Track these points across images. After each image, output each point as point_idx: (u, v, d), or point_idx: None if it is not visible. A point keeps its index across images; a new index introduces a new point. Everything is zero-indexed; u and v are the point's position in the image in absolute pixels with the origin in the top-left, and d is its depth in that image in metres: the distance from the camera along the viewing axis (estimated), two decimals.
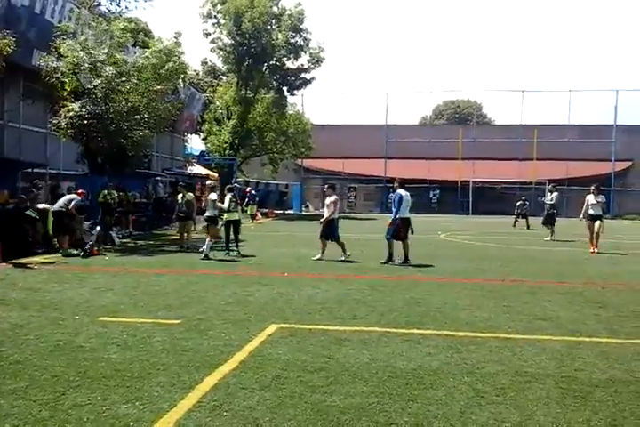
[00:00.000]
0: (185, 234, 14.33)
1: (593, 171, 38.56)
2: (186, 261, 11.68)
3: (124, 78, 15.22)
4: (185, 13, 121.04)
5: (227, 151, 33.55)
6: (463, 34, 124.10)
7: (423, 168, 41.16)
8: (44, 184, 17.57)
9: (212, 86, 39.63)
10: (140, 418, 3.61)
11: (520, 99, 43.87)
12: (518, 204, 24.82)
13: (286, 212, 37.65)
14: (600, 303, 7.55)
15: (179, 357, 4.91)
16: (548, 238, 17.57)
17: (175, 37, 17.50)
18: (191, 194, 14.56)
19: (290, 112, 35.78)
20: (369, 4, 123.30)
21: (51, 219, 12.93)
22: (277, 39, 31.67)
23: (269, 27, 31.93)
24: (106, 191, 15.71)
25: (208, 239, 12.36)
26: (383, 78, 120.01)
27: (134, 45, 18.98)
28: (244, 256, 12.55)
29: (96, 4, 22.02)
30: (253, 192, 27.62)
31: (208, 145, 36.57)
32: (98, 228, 13.42)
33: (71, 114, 14.60)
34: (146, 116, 15.79)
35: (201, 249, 12.30)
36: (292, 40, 32.23)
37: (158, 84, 16.03)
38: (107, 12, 23.74)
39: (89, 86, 14.81)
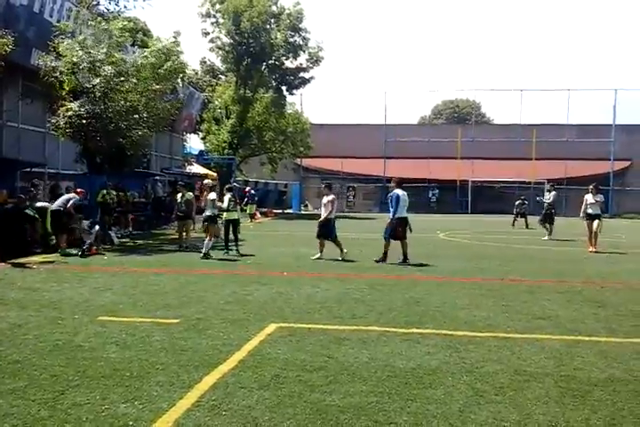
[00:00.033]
0: (184, 233, 14.33)
1: (592, 170, 38.61)
2: (185, 261, 11.67)
3: (122, 78, 15.20)
4: (183, 13, 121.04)
5: (226, 151, 33.56)
6: (462, 33, 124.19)
7: (422, 168, 41.18)
8: (42, 183, 17.56)
9: (211, 86, 39.63)
10: (139, 417, 3.61)
11: (519, 98, 43.95)
12: (517, 203, 24.85)
13: (285, 211, 37.66)
14: (599, 302, 7.56)
15: (178, 356, 4.91)
16: (546, 238, 17.56)
17: (174, 37, 17.51)
18: (190, 193, 14.55)
19: (289, 111, 35.82)
20: (367, 3, 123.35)
21: (49, 217, 12.92)
22: (276, 38, 31.69)
23: (268, 26, 31.97)
24: (105, 191, 15.69)
25: (207, 239, 12.36)
26: (382, 78, 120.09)
27: (133, 45, 18.96)
28: (243, 255, 12.55)
29: (95, 3, 21.98)
30: (252, 192, 27.61)
31: (207, 144, 36.59)
32: (97, 227, 13.41)
33: (70, 113, 14.58)
34: (145, 115, 15.77)
35: (206, 249, 12.25)
36: (291, 39, 32.28)
37: (157, 84, 16.01)
38: (105, 11, 23.70)
39: (88, 86, 14.79)
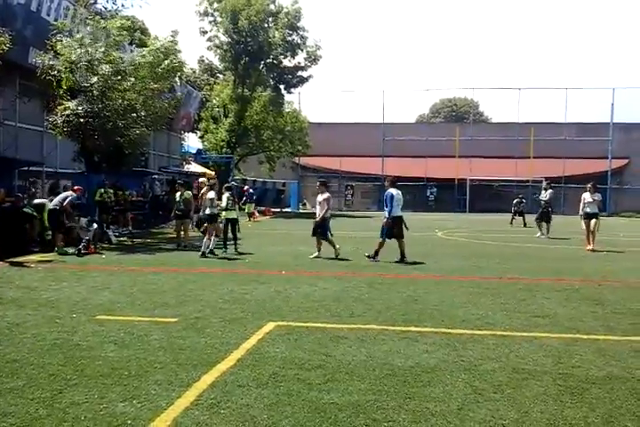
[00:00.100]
0: (182, 232, 14.31)
1: (589, 169, 38.66)
2: (183, 260, 11.67)
3: (120, 77, 15.18)
4: (181, 11, 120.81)
5: (224, 149, 33.54)
6: (460, 32, 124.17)
7: (420, 166, 41.19)
8: (40, 182, 17.56)
9: (209, 84, 39.58)
10: (138, 416, 3.61)
11: (517, 97, 43.82)
12: (515, 202, 24.87)
13: (283, 210, 37.65)
14: (597, 301, 7.57)
15: (176, 355, 4.91)
16: (543, 236, 17.56)
17: (172, 35, 17.49)
18: (189, 192, 14.54)
19: (287, 110, 35.82)
20: (365, 1, 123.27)
21: (47, 214, 12.90)
22: (274, 37, 31.66)
23: (266, 25, 31.94)
24: (102, 190, 15.69)
25: (206, 237, 12.36)
26: (380, 76, 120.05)
27: (131, 43, 18.93)
28: (241, 254, 12.55)
29: (92, 1, 21.91)
30: (251, 190, 27.62)
31: (205, 143, 36.57)
32: (95, 225, 13.39)
33: (67, 112, 14.56)
34: (142, 114, 15.76)
35: (204, 248, 12.23)
36: (289, 38, 32.27)
37: (155, 83, 16.00)
38: (103, 9, 23.62)
39: (85, 84, 14.77)
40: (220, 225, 13.27)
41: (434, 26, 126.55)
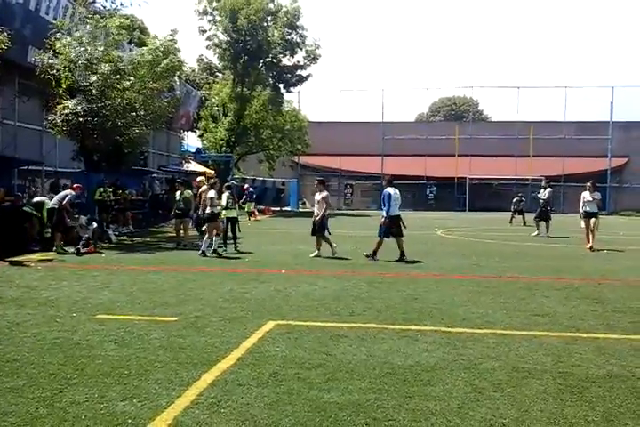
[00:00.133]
0: (182, 231, 14.30)
1: (589, 167, 38.66)
2: (183, 259, 11.67)
3: (119, 76, 15.17)
4: (180, 10, 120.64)
5: (223, 148, 33.52)
6: (459, 30, 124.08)
7: (420, 165, 41.16)
8: (39, 181, 17.56)
9: (208, 83, 39.53)
10: (138, 415, 3.61)
11: (516, 95, 43.77)
12: (515, 200, 24.85)
13: (283, 209, 37.64)
14: (597, 299, 7.57)
15: (176, 354, 4.91)
16: (542, 235, 17.55)
17: (171, 35, 17.48)
18: (189, 191, 14.52)
19: (286, 109, 35.79)
20: (365, 0, 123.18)
21: (46, 212, 12.91)
22: (273, 36, 31.63)
23: (265, 24, 31.91)
24: (102, 189, 15.69)
25: (206, 236, 12.36)
26: (379, 75, 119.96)
27: (130, 42, 18.92)
28: (241, 253, 12.55)
29: (91, 0, 21.89)
30: (251, 189, 27.61)
31: (204, 142, 36.53)
32: (94, 223, 13.39)
33: (67, 111, 14.55)
34: (142, 113, 15.75)
35: (204, 246, 12.23)
36: (288, 37, 32.23)
37: (154, 82, 15.99)
38: (102, 8, 23.60)
39: (85, 83, 14.76)
40: (221, 224, 13.28)
41: (433, 24, 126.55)
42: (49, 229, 12.96)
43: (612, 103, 41.20)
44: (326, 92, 72.17)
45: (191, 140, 41.71)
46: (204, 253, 11.99)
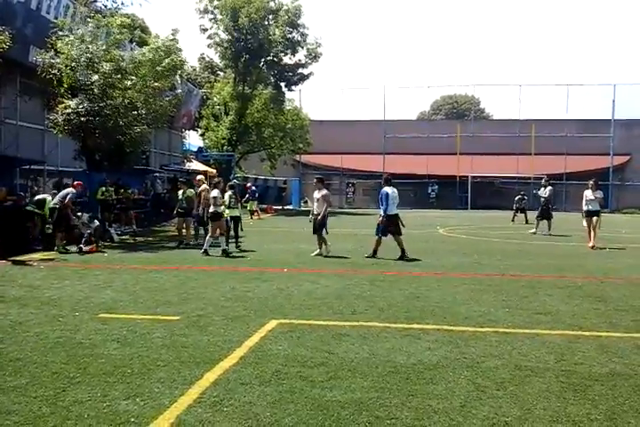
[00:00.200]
0: (184, 230, 14.30)
1: (591, 165, 38.55)
2: (185, 258, 11.67)
3: (120, 75, 15.17)
4: (181, 9, 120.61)
5: (225, 147, 33.50)
6: (461, 28, 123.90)
7: (421, 163, 41.09)
8: (42, 180, 17.57)
9: (210, 82, 39.50)
10: (141, 414, 3.61)
11: (518, 93, 43.62)
12: (517, 198, 24.82)
13: (285, 207, 37.64)
14: (599, 297, 7.57)
15: (179, 353, 4.91)
16: (544, 233, 17.51)
17: (172, 34, 17.48)
18: (192, 190, 14.52)
19: (287, 108, 35.74)
20: None
21: (47, 209, 12.92)
22: (274, 34, 31.60)
23: (266, 22, 31.86)
24: (104, 188, 15.69)
25: (209, 235, 12.37)
26: (381, 73, 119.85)
27: (131, 41, 18.92)
28: (243, 252, 12.56)
29: (92, 0, 21.91)
30: (254, 188, 27.61)
31: (206, 141, 36.51)
32: (96, 221, 13.41)
33: (68, 111, 14.56)
34: (143, 112, 15.76)
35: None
36: (289, 35, 32.19)
37: (156, 81, 15.99)
38: (103, 8, 23.62)
39: (86, 82, 14.76)
40: (224, 223, 13.29)
41: (434, 23, 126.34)
42: (50, 226, 12.96)
43: (614, 101, 41.08)
44: (328, 90, 72.00)
45: (193, 140, 41.73)
46: (206, 252, 12.00)
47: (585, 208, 14.40)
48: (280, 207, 36.37)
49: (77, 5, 18.59)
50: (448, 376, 4.39)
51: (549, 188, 18.35)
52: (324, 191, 12.26)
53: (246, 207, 24.56)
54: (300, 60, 33.72)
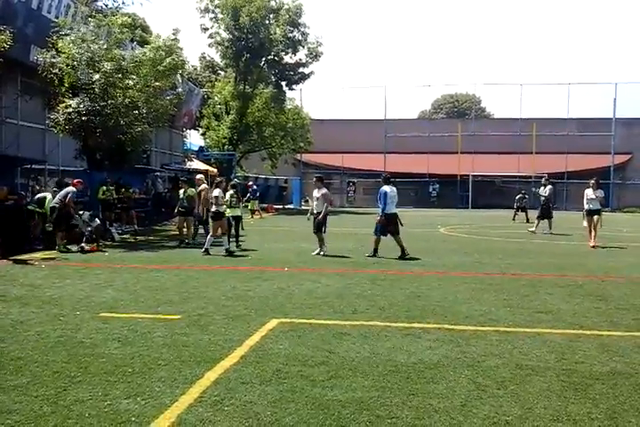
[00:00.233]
0: (185, 229, 14.30)
1: (592, 164, 38.52)
2: (186, 257, 11.68)
3: (121, 74, 15.17)
4: (182, 8, 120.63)
5: (226, 146, 33.52)
6: (461, 27, 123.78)
7: (422, 162, 41.09)
8: (43, 179, 17.56)
9: (211, 81, 39.52)
10: (142, 413, 3.62)
11: (519, 92, 43.69)
12: (518, 197, 24.81)
13: (286, 207, 37.64)
14: (600, 296, 7.56)
15: (179, 352, 4.92)
16: (545, 232, 17.51)
17: (173, 34, 17.47)
18: (193, 189, 14.51)
19: (288, 107, 35.75)
20: None
21: (48, 207, 12.92)
22: (275, 34, 31.61)
23: (267, 21, 31.87)
24: (104, 187, 15.69)
25: (210, 235, 12.36)
26: (382, 72, 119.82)
27: (132, 41, 18.91)
28: (244, 251, 12.56)
29: None
30: (255, 187, 27.59)
31: (207, 140, 36.54)
32: (97, 220, 13.41)
33: (69, 110, 14.56)
34: (144, 111, 15.75)
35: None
36: (290, 34, 32.20)
37: (157, 81, 15.99)
38: (103, 7, 23.62)
39: (87, 82, 14.76)
40: (226, 223, 13.29)
41: (436, 21, 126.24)
42: (51, 224, 12.95)
43: (614, 100, 41.04)
44: (328, 89, 71.97)
45: (194, 139, 41.76)
46: (207, 252, 12.00)
47: (586, 207, 14.38)
48: (281, 206, 36.36)
49: (78, 5, 18.59)
50: (449, 375, 4.39)
51: (549, 187, 18.33)
52: (324, 190, 12.27)
53: (247, 206, 24.56)
54: (300, 60, 33.75)
